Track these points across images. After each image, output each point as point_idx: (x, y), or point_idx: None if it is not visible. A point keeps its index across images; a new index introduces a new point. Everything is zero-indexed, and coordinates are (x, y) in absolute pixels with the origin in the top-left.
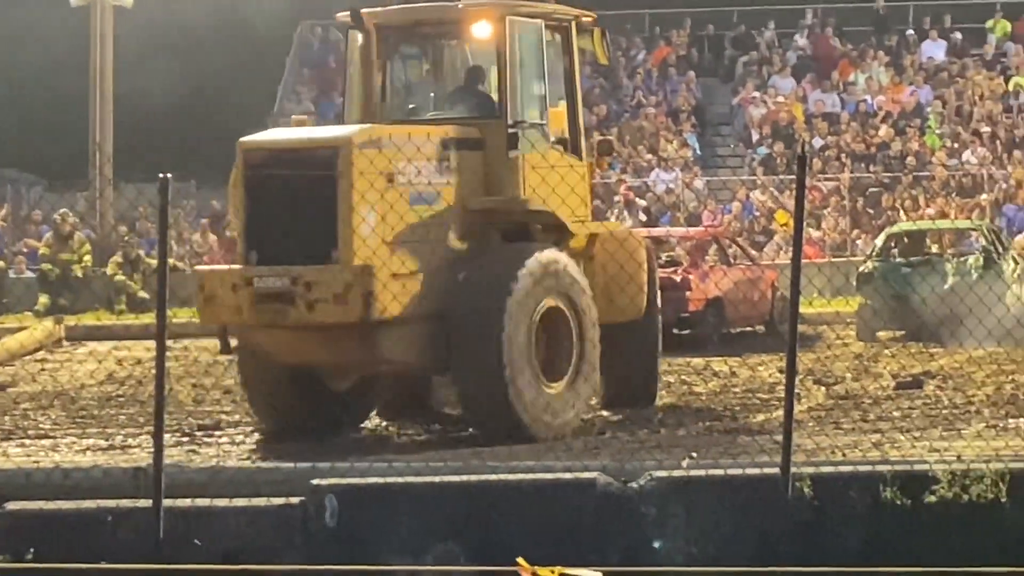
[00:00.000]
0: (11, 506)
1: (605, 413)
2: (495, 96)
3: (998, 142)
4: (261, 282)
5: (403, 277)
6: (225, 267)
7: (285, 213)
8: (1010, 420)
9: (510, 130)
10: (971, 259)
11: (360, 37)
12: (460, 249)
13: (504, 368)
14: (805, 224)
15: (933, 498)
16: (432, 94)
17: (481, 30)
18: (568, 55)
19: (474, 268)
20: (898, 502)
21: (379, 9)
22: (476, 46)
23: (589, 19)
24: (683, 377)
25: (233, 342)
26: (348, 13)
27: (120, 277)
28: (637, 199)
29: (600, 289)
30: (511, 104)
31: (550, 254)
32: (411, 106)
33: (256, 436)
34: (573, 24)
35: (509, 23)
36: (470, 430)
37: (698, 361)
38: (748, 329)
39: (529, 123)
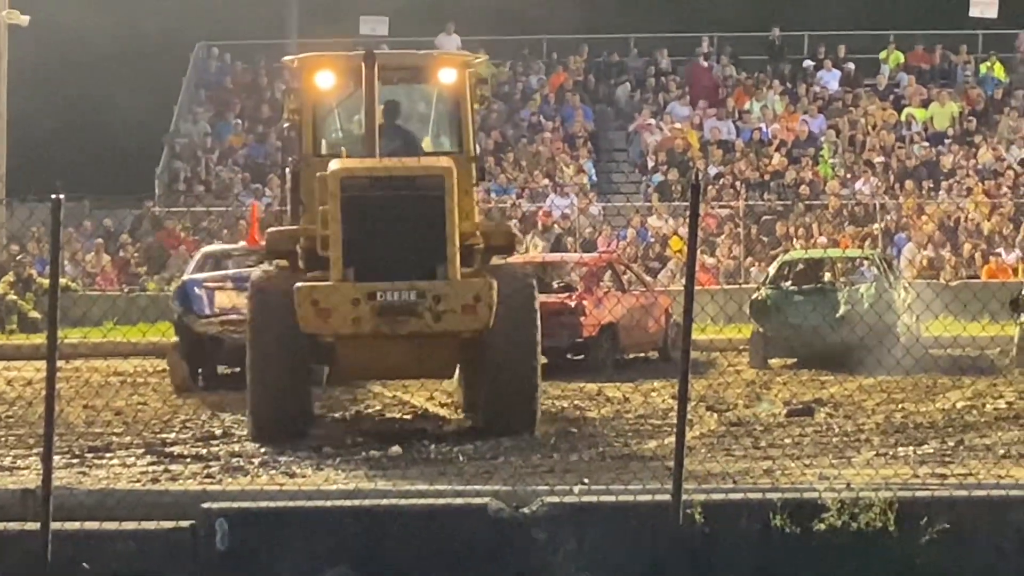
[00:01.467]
0: None
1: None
2: (418, 130)
3: (890, 172)
4: (386, 296)
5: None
6: (334, 283)
7: (386, 234)
8: (899, 448)
9: (477, 164)
10: (863, 288)
11: (329, 79)
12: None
13: (536, 373)
14: (699, 251)
15: (822, 526)
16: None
17: (447, 76)
18: None
19: (505, 286)
20: (788, 530)
21: (380, 52)
22: (441, 89)
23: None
24: (576, 403)
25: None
26: (344, 54)
27: (12, 297)
28: (555, 225)
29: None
30: (474, 141)
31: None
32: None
33: (148, 458)
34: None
35: (468, 71)
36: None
37: (591, 387)
38: (642, 355)
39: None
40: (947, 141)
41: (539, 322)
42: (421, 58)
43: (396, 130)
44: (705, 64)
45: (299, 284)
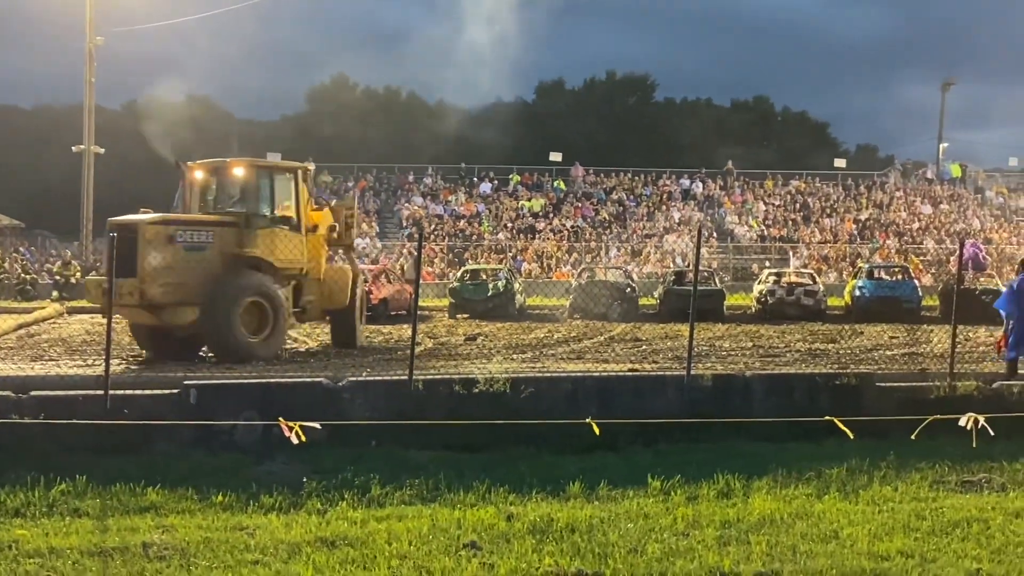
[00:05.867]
0: None
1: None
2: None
3: (515, 229)
4: (117, 285)
5: (169, 284)
6: (101, 277)
7: (121, 255)
8: (513, 355)
9: (247, 218)
10: (501, 282)
11: (200, 174)
12: (219, 272)
13: (233, 329)
14: (424, 265)
15: (477, 390)
16: (211, 199)
17: (239, 173)
18: (296, 185)
19: (224, 282)
20: (462, 392)
21: (200, 162)
22: (236, 181)
23: (306, 168)
24: (369, 336)
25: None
26: (189, 162)
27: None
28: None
29: (327, 293)
30: (248, 206)
31: (259, 276)
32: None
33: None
34: (298, 171)
35: (255, 170)
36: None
37: (375, 328)
38: (400, 312)
39: (260, 215)
40: (539, 216)
41: (357, 296)
42: (227, 163)
43: (242, 201)
44: (430, 181)
45: (88, 278)
